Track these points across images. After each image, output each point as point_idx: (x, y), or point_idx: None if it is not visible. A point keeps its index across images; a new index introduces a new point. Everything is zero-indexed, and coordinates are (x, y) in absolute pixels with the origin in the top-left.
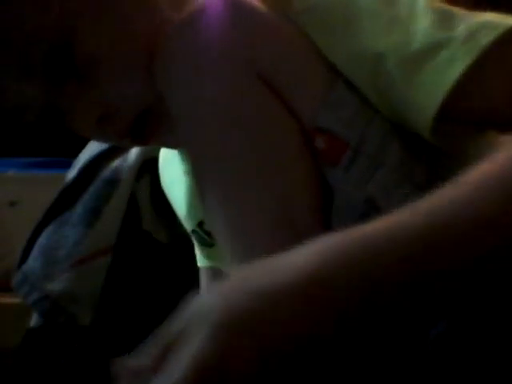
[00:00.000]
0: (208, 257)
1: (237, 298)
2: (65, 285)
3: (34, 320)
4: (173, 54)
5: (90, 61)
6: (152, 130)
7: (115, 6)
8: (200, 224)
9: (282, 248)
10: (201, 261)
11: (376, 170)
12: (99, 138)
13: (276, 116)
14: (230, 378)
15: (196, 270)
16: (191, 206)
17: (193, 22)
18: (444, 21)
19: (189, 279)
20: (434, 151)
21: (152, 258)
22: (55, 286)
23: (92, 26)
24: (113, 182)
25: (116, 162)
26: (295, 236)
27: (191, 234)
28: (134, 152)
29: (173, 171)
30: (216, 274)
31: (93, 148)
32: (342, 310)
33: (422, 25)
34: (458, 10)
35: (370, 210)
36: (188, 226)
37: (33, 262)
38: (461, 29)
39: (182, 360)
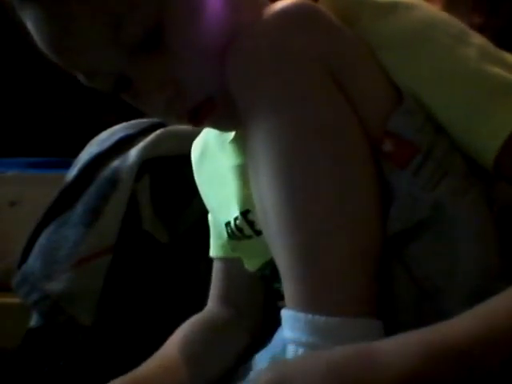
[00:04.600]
0: (235, 249)
1: None
2: (65, 285)
3: (34, 320)
4: (242, 51)
5: (174, 45)
6: (208, 113)
7: (203, 3)
8: (244, 213)
9: (347, 246)
10: (215, 251)
11: (444, 176)
12: (161, 114)
13: (345, 117)
14: None
15: (196, 269)
16: (237, 196)
17: (266, 23)
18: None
19: (189, 279)
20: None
21: (152, 258)
22: (55, 286)
23: (181, 18)
24: (113, 182)
25: (116, 162)
26: (356, 235)
27: (224, 227)
28: (133, 152)
29: (211, 166)
30: (230, 263)
31: (93, 148)
32: None
33: (494, 70)
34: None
35: (436, 214)
36: (223, 217)
37: (33, 262)
38: None
39: None
